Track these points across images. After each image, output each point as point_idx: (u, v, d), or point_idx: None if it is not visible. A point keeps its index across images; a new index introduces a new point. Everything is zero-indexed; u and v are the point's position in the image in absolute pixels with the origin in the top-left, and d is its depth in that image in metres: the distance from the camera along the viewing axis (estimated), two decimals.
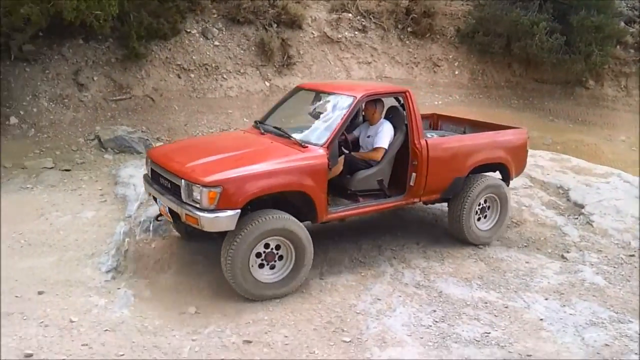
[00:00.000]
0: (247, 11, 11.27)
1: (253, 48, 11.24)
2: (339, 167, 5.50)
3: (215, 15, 11.20)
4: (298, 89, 6.41)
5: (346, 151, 5.85)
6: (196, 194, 4.69)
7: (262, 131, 5.76)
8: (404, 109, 5.86)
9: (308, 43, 11.90)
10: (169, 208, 5.03)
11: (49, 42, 9.46)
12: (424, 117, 7.41)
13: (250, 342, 4.44)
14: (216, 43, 10.93)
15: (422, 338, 4.65)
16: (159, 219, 5.75)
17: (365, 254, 5.99)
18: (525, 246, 6.46)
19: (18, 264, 5.30)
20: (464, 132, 6.94)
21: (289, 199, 5.18)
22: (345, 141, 5.89)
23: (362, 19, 12.66)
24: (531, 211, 7.18)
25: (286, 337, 4.55)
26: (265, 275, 5.02)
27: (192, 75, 10.47)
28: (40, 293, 4.85)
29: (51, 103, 9.09)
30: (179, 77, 10.33)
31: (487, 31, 13.01)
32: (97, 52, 9.72)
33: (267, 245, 4.97)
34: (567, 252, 6.37)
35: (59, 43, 9.53)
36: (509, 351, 4.52)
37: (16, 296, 4.79)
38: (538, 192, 7.72)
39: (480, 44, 13.11)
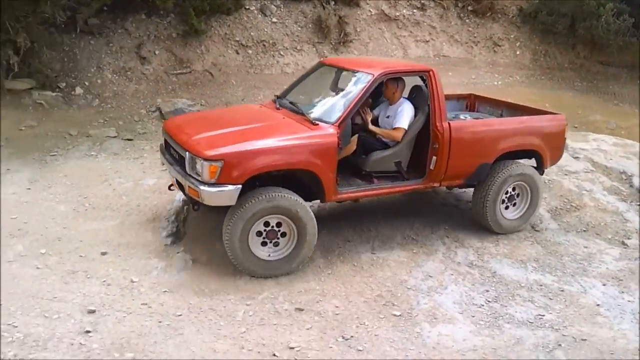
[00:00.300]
0: None
1: (310, 25, 11.26)
2: (352, 147, 5.33)
3: None
4: (321, 64, 6.22)
5: (367, 128, 5.62)
6: (198, 167, 4.63)
7: (278, 106, 5.63)
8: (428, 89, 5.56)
9: (365, 21, 11.81)
10: (176, 179, 5.02)
11: (113, 16, 9.77)
12: (461, 97, 7.15)
13: (302, 310, 4.53)
14: (274, 20, 11.00)
15: (473, 317, 4.63)
16: (171, 188, 5.68)
17: (418, 232, 5.95)
18: (585, 231, 6.29)
19: (83, 226, 5.54)
20: (501, 115, 6.61)
21: (298, 177, 5.06)
22: (361, 119, 5.63)
23: None
24: (592, 196, 6.96)
25: (337, 307, 4.62)
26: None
27: (250, 52, 10.59)
28: (103, 254, 5.07)
29: (115, 75, 9.41)
30: (237, 53, 10.48)
31: (550, 11, 12.56)
32: (159, 27, 9.96)
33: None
34: (628, 238, 6.16)
35: (122, 17, 9.82)
36: (563, 334, 4.45)
37: (80, 256, 5.02)
38: (600, 177, 7.46)
39: (543, 24, 12.67)
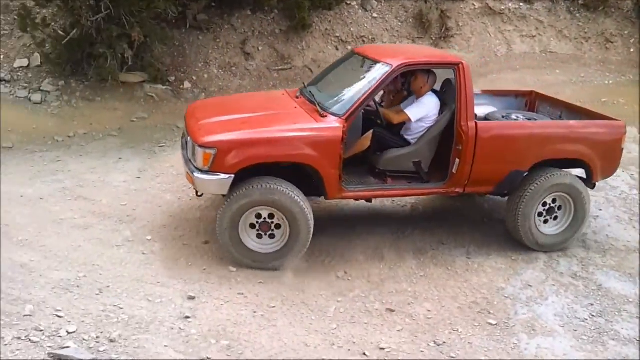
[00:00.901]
0: None
1: (411, 20, 11.13)
2: (365, 143, 5.10)
3: None
4: (352, 52, 5.88)
5: (378, 122, 5.31)
6: (195, 153, 4.65)
7: (298, 94, 5.42)
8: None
9: (468, 15, 11.50)
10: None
11: (220, 12, 10.15)
12: (520, 94, 6.59)
13: (393, 311, 4.51)
14: (374, 15, 10.97)
15: (575, 331, 4.43)
16: None
17: None
18: None
19: (187, 214, 5.79)
20: (560, 117, 5.99)
21: (305, 170, 4.84)
22: (377, 113, 5.28)
23: None
24: None
25: (429, 311, 4.56)
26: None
27: (349, 47, 10.59)
28: (205, 243, 5.28)
29: (220, 70, 9.77)
30: (337, 49, 10.54)
31: None
32: (263, 23, 10.23)
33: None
34: None
35: (229, 14, 10.17)
36: None
37: (184, 244, 5.26)
38: None
39: None
